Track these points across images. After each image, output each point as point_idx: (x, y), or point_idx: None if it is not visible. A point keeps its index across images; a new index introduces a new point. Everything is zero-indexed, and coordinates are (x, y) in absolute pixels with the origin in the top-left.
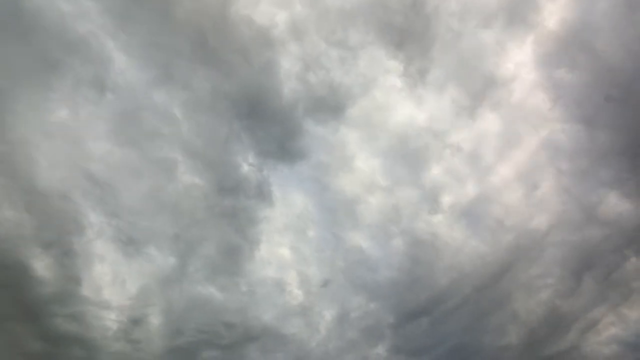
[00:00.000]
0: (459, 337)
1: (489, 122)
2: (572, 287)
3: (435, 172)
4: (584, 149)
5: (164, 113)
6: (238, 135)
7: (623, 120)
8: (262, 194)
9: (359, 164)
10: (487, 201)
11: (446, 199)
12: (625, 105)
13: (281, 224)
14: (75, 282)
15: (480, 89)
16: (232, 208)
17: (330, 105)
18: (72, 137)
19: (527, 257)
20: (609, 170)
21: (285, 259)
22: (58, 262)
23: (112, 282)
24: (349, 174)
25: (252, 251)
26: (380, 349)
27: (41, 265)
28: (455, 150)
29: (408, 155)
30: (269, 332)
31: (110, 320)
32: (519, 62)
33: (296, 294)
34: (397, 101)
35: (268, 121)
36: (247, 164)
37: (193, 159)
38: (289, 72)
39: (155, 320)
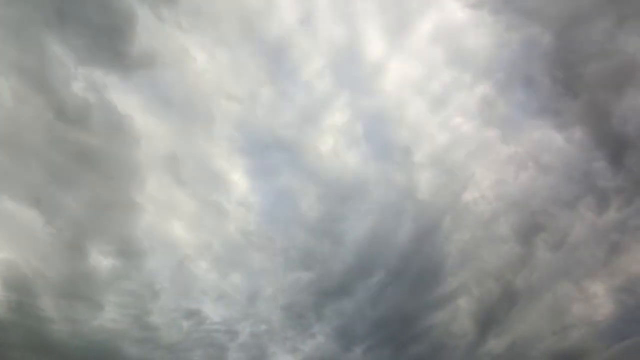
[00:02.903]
0: (395, 321)
1: None
2: (522, 257)
3: (308, 70)
4: (493, 50)
5: None
6: (47, 28)
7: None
8: (112, 124)
9: (202, 62)
10: (384, 118)
11: (333, 117)
12: None
13: (149, 164)
14: None
15: None
16: (84, 144)
17: None
18: None
19: (454, 211)
20: (535, 93)
21: (174, 217)
22: None
23: None
24: (197, 80)
25: (132, 206)
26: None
27: None
28: (331, 39)
29: (265, 45)
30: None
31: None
32: None
33: (202, 266)
34: None
35: (84, 9)
36: (75, 79)
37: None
38: None
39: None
